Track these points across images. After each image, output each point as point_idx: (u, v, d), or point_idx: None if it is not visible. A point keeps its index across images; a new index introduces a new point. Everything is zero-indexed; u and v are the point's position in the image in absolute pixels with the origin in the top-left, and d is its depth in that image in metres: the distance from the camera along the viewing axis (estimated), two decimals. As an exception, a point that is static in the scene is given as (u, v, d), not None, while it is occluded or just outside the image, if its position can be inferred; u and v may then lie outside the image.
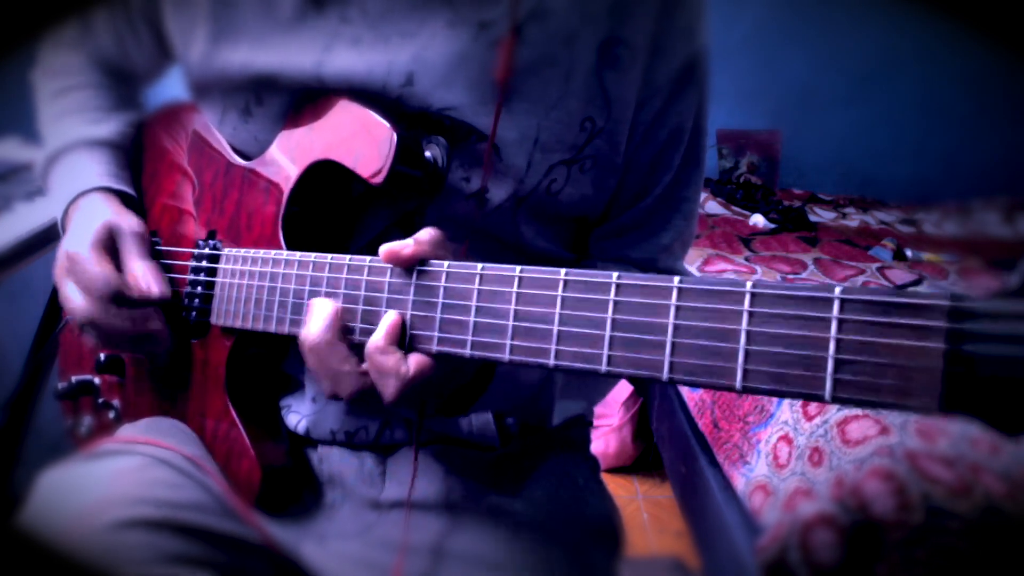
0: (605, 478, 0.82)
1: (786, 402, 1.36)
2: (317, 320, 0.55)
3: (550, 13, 0.65)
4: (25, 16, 0.79)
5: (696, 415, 1.63)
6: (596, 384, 0.76)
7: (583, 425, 0.84)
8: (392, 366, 0.52)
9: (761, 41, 2.86)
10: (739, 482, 1.36)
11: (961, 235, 2.54)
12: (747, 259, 2.09)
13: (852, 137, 3.04)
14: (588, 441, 0.84)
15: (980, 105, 2.90)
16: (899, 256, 2.23)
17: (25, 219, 1.11)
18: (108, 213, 0.72)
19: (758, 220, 2.49)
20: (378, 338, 0.52)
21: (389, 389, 0.52)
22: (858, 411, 1.21)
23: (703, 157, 0.75)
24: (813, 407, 1.29)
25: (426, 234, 0.53)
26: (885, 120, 3.01)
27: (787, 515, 1.12)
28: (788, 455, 1.26)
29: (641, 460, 2.14)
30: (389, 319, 0.53)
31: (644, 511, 1.98)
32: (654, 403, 2.00)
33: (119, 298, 0.68)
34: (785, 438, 1.30)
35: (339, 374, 0.54)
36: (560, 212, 0.70)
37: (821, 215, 2.67)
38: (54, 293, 1.34)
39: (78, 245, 0.69)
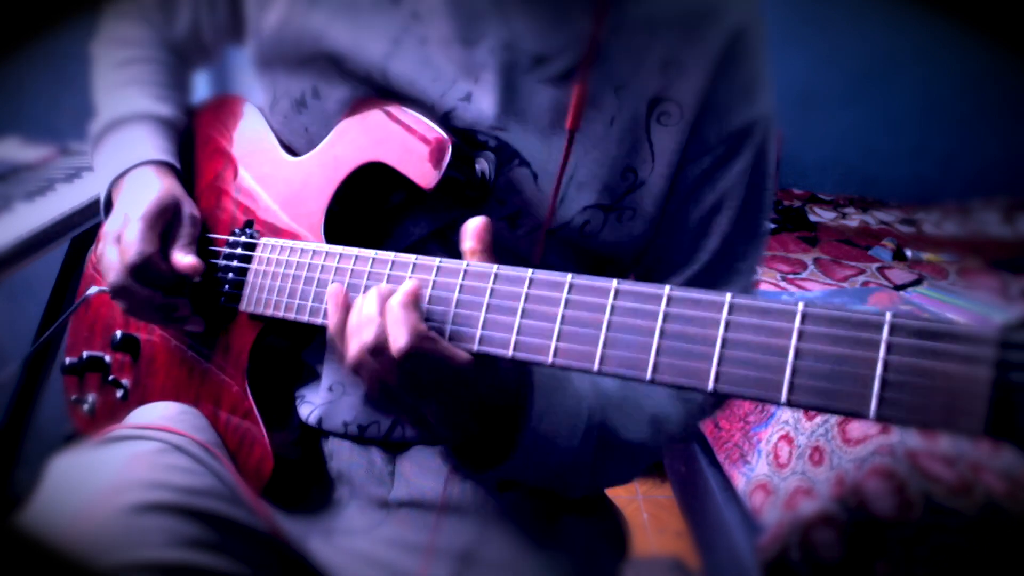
0: (605, 477, 0.82)
1: (786, 401, 1.36)
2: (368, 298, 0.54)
3: (604, 59, 0.64)
4: (25, 16, 0.79)
5: (696, 415, 1.63)
6: (628, 468, 0.71)
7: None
8: (411, 320, 0.50)
9: (761, 41, 2.86)
10: (740, 481, 1.36)
11: (961, 235, 2.54)
12: (747, 259, 2.09)
13: (852, 137, 3.03)
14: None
15: (980, 105, 2.89)
16: (899, 256, 2.23)
17: (25, 219, 1.11)
18: (175, 187, 0.72)
19: (758, 220, 2.49)
20: (399, 296, 0.52)
21: (401, 339, 0.50)
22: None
23: (760, 231, 0.72)
24: (813, 406, 1.29)
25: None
26: (885, 120, 3.01)
27: (788, 514, 1.12)
28: (789, 454, 1.26)
29: (641, 460, 2.14)
30: (408, 284, 0.52)
31: (644, 511, 1.98)
32: (654, 403, 2.00)
33: (142, 267, 0.67)
34: (786, 437, 1.30)
35: (370, 319, 0.52)
36: (591, 249, 0.70)
37: (821, 215, 2.66)
38: (54, 292, 1.34)
39: (137, 207, 0.69)
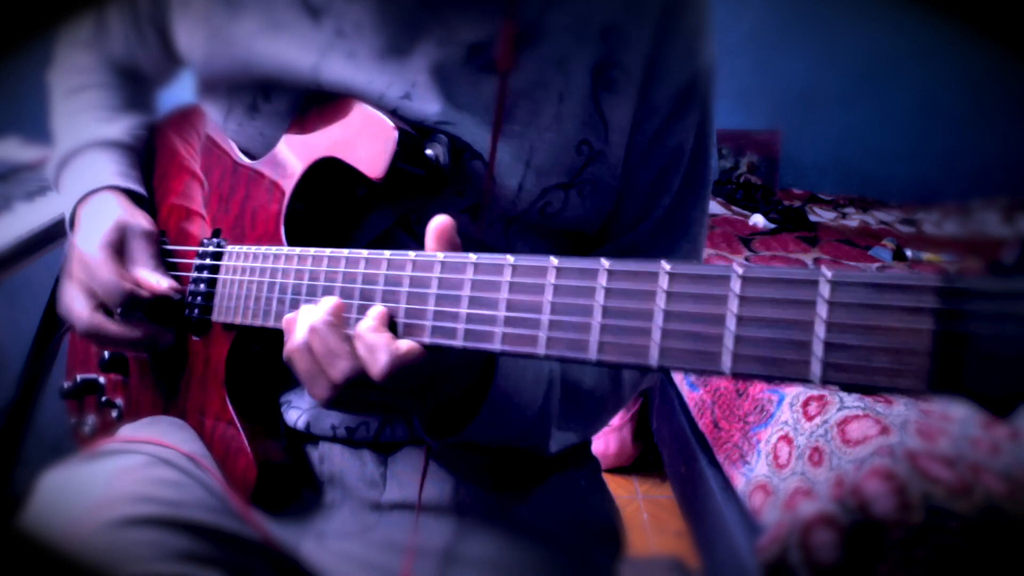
0: (605, 478, 0.83)
1: (786, 402, 1.36)
2: (320, 306, 0.54)
3: (542, 35, 0.64)
4: (25, 17, 0.79)
5: (696, 415, 1.64)
6: (594, 415, 0.74)
7: (584, 448, 0.82)
8: (384, 342, 0.50)
9: (761, 41, 2.86)
10: (739, 482, 1.37)
11: (961, 235, 2.54)
12: (747, 259, 2.09)
13: (852, 137, 3.04)
14: (589, 443, 0.84)
15: (979, 105, 2.90)
16: (899, 256, 2.23)
17: (25, 219, 1.11)
18: (119, 211, 0.72)
19: (758, 220, 2.49)
20: (369, 321, 0.52)
21: (379, 365, 0.50)
22: (858, 411, 1.21)
23: (707, 179, 0.74)
24: (813, 407, 1.29)
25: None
26: (885, 120, 3.02)
27: (787, 515, 1.12)
28: (788, 455, 1.26)
29: (641, 460, 2.14)
30: (378, 309, 0.52)
31: (644, 511, 1.98)
32: (654, 403, 2.00)
33: (128, 304, 0.68)
34: (785, 438, 1.30)
35: (333, 355, 0.52)
36: (554, 228, 0.70)
37: (821, 215, 2.67)
38: (54, 293, 1.34)
39: (89, 246, 0.69)
